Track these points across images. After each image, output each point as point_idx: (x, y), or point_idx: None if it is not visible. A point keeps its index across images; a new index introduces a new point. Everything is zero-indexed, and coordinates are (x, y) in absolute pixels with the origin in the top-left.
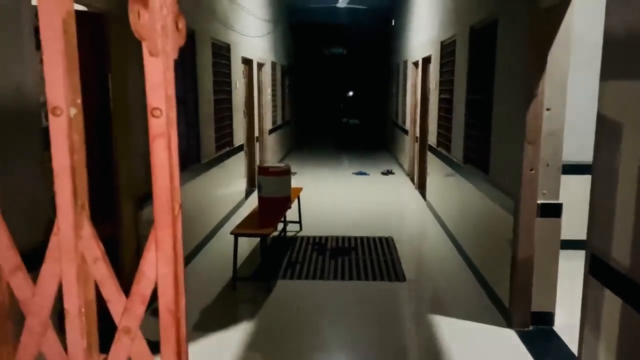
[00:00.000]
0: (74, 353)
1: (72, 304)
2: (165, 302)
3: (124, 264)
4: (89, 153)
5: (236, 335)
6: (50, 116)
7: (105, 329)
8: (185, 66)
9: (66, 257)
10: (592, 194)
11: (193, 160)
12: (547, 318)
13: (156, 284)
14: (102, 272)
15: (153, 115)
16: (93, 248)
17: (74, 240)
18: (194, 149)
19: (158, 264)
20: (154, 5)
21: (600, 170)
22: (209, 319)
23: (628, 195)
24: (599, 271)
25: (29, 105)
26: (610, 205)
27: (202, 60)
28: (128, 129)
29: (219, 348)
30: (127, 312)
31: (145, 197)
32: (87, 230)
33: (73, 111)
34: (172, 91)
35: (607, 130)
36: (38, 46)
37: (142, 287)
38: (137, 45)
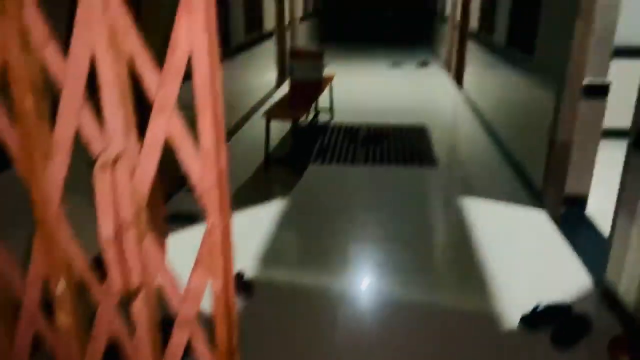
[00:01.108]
0: (110, 128)
1: (105, 77)
2: (200, 74)
3: None
4: None
5: (267, 213)
6: None
7: None
8: None
9: (96, 27)
10: None
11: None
12: (580, 202)
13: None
14: (134, 44)
15: None
16: (122, 18)
17: (101, 9)
18: (220, 32)
19: (191, 32)
20: None
21: None
22: (242, 198)
23: None
24: None
25: None
26: None
27: None
28: None
29: (250, 225)
30: (162, 88)
31: None
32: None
33: None
34: None
35: None
36: None
37: (176, 59)
38: None
